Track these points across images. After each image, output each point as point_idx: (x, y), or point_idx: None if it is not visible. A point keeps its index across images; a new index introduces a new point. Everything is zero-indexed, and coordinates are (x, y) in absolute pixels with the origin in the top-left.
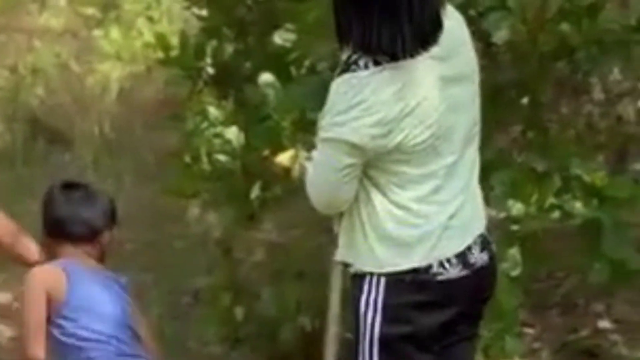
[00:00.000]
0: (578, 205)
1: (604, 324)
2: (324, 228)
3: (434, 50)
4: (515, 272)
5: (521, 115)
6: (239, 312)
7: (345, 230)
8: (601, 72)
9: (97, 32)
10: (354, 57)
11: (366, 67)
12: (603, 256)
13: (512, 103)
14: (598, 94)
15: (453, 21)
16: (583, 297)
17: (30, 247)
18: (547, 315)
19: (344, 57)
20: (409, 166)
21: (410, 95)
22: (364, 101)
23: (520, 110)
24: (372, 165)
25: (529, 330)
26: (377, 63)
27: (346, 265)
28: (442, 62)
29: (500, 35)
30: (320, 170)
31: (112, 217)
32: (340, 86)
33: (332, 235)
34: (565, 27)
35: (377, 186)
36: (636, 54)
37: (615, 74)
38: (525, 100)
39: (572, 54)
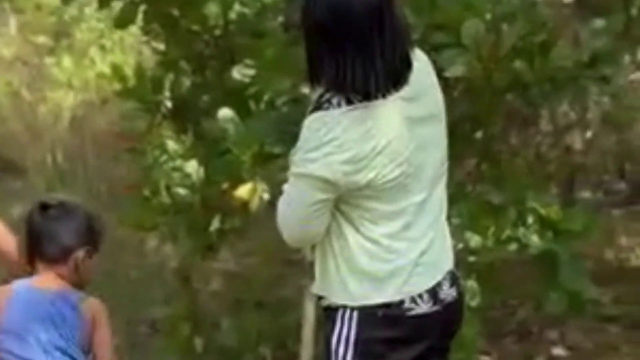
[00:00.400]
0: (534, 238)
1: (558, 351)
2: (281, 258)
3: (404, 90)
4: (474, 303)
5: (475, 149)
6: (198, 342)
7: (318, 264)
8: (550, 105)
9: (48, 60)
10: (327, 95)
11: (339, 105)
12: (560, 287)
13: (466, 137)
14: (546, 125)
15: (421, 63)
16: (537, 325)
17: (14, 245)
18: (502, 343)
19: (316, 95)
20: (380, 202)
21: (381, 134)
22: (336, 139)
23: (474, 144)
24: (344, 201)
25: (486, 358)
26: (349, 102)
27: (320, 297)
28: (412, 103)
29: (456, 71)
30: (293, 205)
31: (87, 236)
32: (313, 123)
33: (291, 266)
34: (518, 64)
35: (349, 221)
36: (587, 89)
37: (563, 105)
38: (479, 134)
39: (525, 90)
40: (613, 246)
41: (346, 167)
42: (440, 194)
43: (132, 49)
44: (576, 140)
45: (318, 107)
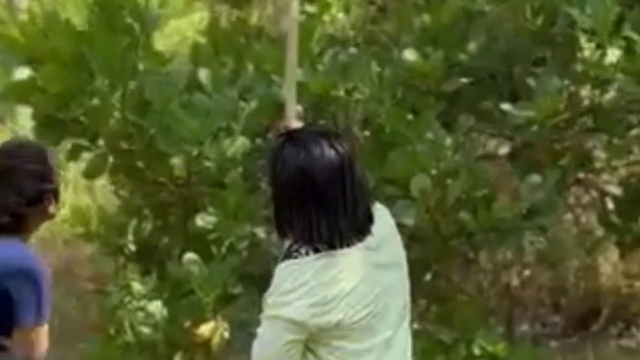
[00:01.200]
0: None
1: None
2: None
3: (367, 239)
4: None
5: (425, 290)
6: None
7: None
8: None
9: None
10: (296, 245)
11: (307, 254)
12: None
13: (416, 279)
14: (486, 263)
15: (383, 216)
16: None
17: None
18: None
19: (286, 245)
20: (348, 341)
21: (347, 279)
22: (305, 284)
23: (423, 286)
24: (313, 340)
25: None
26: (317, 250)
27: None
28: (375, 251)
29: (406, 221)
30: (266, 346)
31: None
32: (283, 270)
33: None
34: (463, 214)
35: (319, 358)
36: (526, 238)
37: None
38: (427, 277)
39: (470, 237)
40: None
41: (314, 310)
42: (405, 332)
43: (86, 190)
44: (514, 277)
45: (288, 255)
